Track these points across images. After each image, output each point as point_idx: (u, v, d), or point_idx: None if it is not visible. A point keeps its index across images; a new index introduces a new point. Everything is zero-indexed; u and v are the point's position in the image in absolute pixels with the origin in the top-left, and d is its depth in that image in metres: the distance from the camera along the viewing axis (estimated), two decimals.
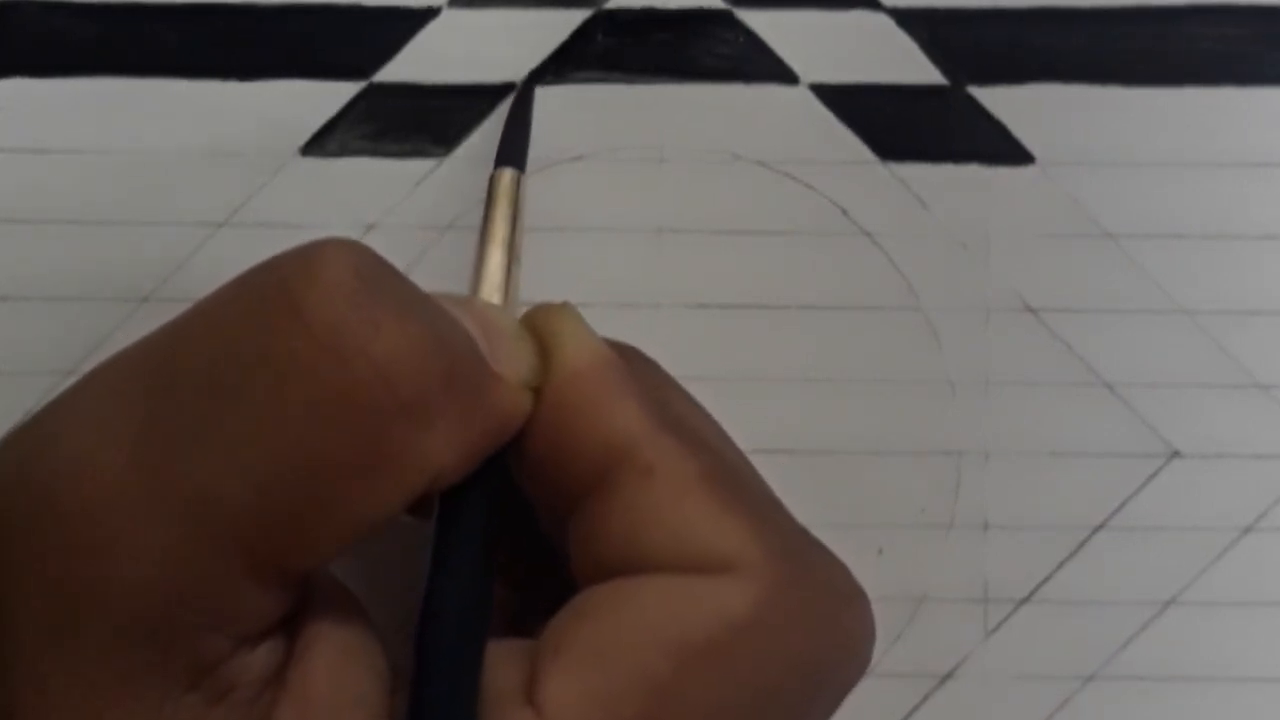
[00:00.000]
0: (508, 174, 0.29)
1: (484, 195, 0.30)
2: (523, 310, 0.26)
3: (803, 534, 0.25)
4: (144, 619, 0.21)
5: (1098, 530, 0.30)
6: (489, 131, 0.31)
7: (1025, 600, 0.30)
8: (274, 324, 0.22)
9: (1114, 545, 0.30)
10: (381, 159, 0.31)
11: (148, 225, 0.31)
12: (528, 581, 0.27)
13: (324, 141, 0.31)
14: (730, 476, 0.24)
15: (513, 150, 0.30)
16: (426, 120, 0.31)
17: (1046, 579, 0.30)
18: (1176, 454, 0.30)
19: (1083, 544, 0.30)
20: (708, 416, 0.26)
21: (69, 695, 0.22)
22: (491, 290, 0.28)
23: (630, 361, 0.25)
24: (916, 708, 0.30)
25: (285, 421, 0.21)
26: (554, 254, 0.30)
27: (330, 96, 0.31)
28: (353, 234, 0.30)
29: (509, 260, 0.28)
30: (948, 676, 0.30)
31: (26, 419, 0.23)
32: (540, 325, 0.25)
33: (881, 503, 0.30)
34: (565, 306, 0.26)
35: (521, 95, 0.31)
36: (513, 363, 0.24)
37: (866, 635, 0.25)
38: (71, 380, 0.30)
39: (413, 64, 0.31)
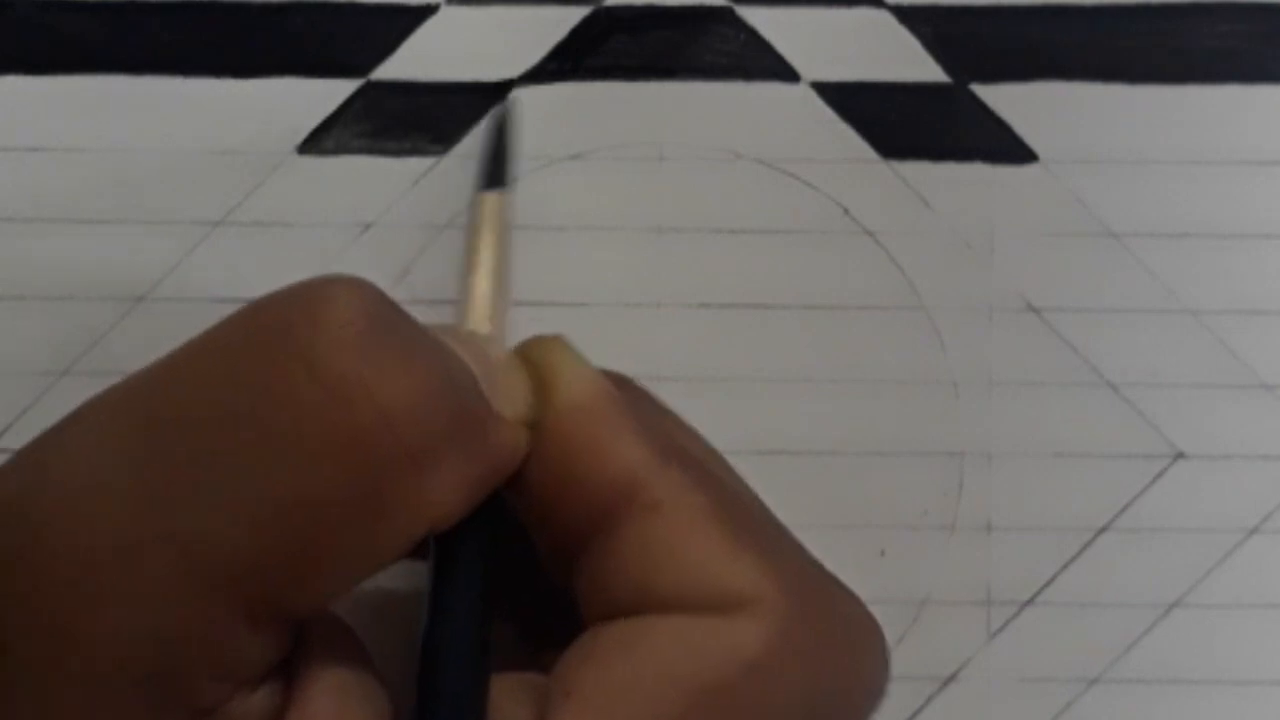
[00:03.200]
0: (491, 199, 0.29)
1: None
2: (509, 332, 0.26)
3: (814, 566, 0.25)
4: (139, 663, 0.21)
5: (1102, 532, 0.30)
6: None
7: (1028, 603, 0.30)
8: (278, 368, 0.21)
9: (1118, 547, 0.30)
10: (379, 157, 0.31)
11: (144, 224, 0.30)
12: (536, 618, 0.26)
13: (321, 140, 0.31)
14: (738, 508, 0.24)
15: (494, 171, 0.29)
16: (424, 118, 0.31)
17: (1050, 581, 0.30)
18: (1181, 455, 0.30)
19: (1087, 546, 0.30)
20: (706, 444, 0.26)
21: None
22: (479, 320, 0.27)
23: (626, 391, 0.25)
24: (919, 711, 0.30)
25: (286, 467, 0.21)
26: (554, 254, 0.30)
27: (328, 94, 0.31)
28: (350, 232, 0.30)
29: (496, 288, 0.28)
30: (950, 679, 0.30)
31: (21, 449, 0.23)
32: (535, 358, 0.25)
33: (884, 504, 0.30)
34: (558, 339, 0.25)
35: (499, 115, 0.30)
36: (510, 399, 0.24)
37: (881, 668, 0.25)
38: (67, 380, 0.30)
39: (411, 62, 0.31)
